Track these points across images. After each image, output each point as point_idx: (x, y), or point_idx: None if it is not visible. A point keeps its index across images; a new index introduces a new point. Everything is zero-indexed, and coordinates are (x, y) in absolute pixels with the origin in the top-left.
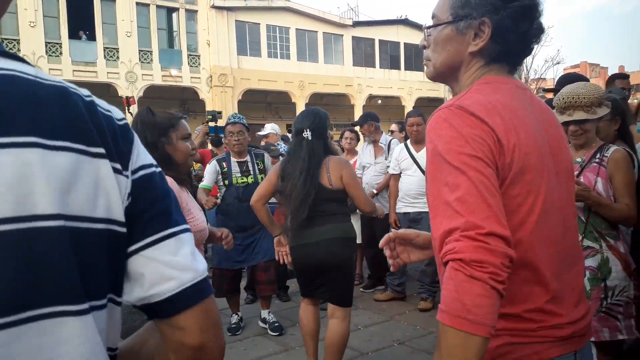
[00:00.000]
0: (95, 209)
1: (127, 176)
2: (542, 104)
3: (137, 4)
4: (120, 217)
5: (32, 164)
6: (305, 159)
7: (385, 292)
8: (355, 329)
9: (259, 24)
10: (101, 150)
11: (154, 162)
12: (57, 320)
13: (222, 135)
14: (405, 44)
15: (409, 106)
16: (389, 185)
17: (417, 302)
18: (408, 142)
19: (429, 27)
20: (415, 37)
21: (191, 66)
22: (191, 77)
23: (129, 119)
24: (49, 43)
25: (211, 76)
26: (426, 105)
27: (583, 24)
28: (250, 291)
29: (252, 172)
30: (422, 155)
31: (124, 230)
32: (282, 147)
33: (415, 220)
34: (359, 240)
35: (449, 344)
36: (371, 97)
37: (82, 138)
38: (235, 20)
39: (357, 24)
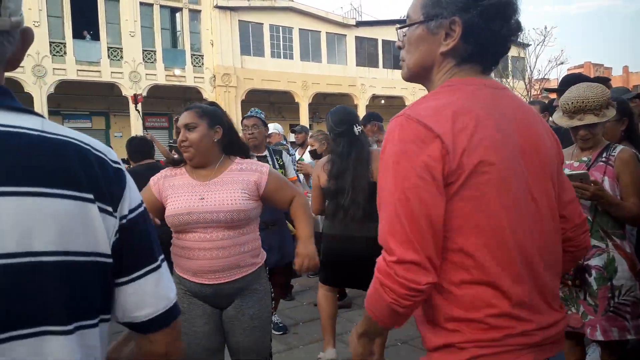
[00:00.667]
0: (87, 245)
1: (115, 217)
2: (518, 102)
3: (141, 3)
4: (107, 250)
5: (32, 209)
6: (363, 154)
7: None
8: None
9: (262, 24)
10: (90, 195)
11: (141, 201)
12: (46, 338)
13: None
14: None
15: None
16: None
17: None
18: None
19: (401, 27)
20: None
21: (195, 66)
22: (194, 77)
23: (136, 117)
24: (53, 43)
25: (214, 76)
26: None
27: (587, 24)
28: None
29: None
30: None
31: (110, 260)
32: (289, 149)
33: None
34: None
35: (364, 319)
36: (374, 97)
37: (76, 185)
38: (239, 20)
39: (360, 23)
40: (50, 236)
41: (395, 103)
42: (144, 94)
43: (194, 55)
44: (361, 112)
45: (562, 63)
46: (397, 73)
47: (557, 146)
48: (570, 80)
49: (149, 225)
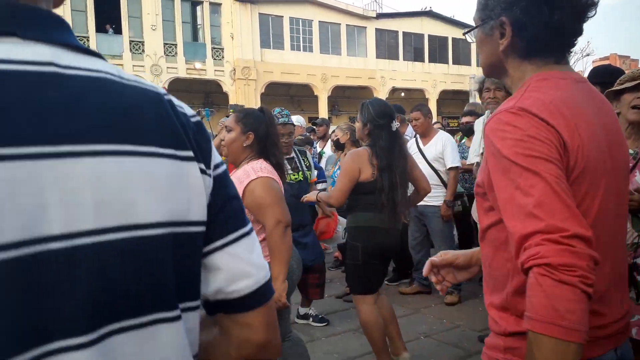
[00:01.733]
0: (189, 213)
1: (210, 175)
2: (600, 96)
3: None
4: (205, 216)
5: (133, 172)
6: (405, 149)
7: (411, 286)
8: None
9: (282, 16)
10: (190, 153)
11: (222, 160)
12: (158, 326)
13: None
14: (429, 36)
15: (432, 99)
16: None
17: (444, 296)
18: (418, 136)
19: (465, 32)
20: (440, 29)
21: (215, 59)
22: (215, 70)
23: None
24: (77, 37)
25: (234, 69)
26: (451, 98)
27: (613, 15)
28: None
29: (300, 169)
30: (427, 149)
31: (204, 228)
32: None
33: (423, 213)
34: None
35: (544, 353)
36: (394, 90)
37: (172, 142)
38: (259, 13)
39: (380, 15)
40: (155, 204)
41: (415, 96)
42: (165, 86)
43: (215, 48)
44: None
45: (588, 55)
46: (418, 65)
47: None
48: (600, 71)
49: (235, 187)
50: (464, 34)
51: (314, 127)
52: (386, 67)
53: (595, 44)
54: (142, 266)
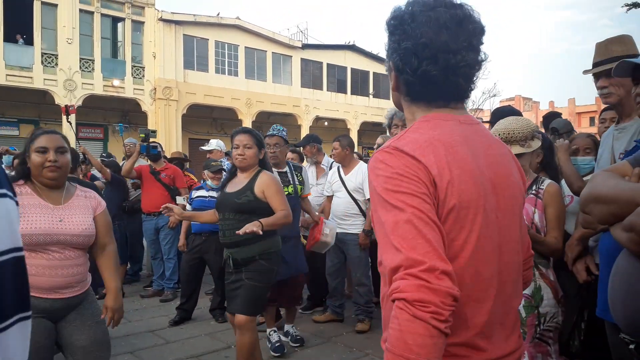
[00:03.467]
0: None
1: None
2: (492, 139)
3: (81, 10)
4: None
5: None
6: None
7: (324, 314)
8: (292, 350)
9: (208, 39)
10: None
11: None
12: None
13: (155, 153)
14: (352, 69)
15: (354, 129)
16: (325, 206)
17: (355, 324)
18: (339, 166)
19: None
20: (362, 63)
21: (135, 77)
22: (134, 89)
23: (68, 127)
24: None
25: (155, 88)
26: (370, 130)
27: (519, 61)
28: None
29: (291, 182)
30: (348, 179)
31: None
32: (226, 163)
33: (342, 240)
34: None
35: None
36: (318, 119)
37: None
38: (183, 34)
39: (306, 46)
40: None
41: (338, 125)
42: (80, 103)
43: (135, 66)
44: (304, 133)
45: (494, 95)
46: (341, 96)
47: (523, 184)
48: (502, 112)
49: None
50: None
51: None
52: (310, 96)
53: (502, 85)
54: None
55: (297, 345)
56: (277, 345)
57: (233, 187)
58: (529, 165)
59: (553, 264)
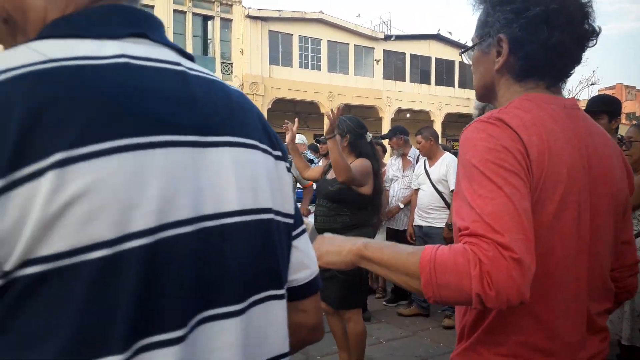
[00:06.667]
0: (284, 205)
1: (289, 170)
2: (593, 125)
3: (175, 11)
4: (293, 211)
5: (259, 163)
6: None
7: (409, 307)
8: (377, 342)
9: (292, 34)
10: (279, 153)
11: None
12: (272, 303)
13: None
14: (436, 59)
15: (438, 121)
16: (412, 199)
17: (441, 319)
18: (426, 158)
19: (462, 52)
20: (447, 53)
21: (224, 74)
22: None
23: None
24: None
25: (243, 84)
26: (455, 121)
27: (621, 45)
28: None
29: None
30: (433, 171)
31: (293, 222)
32: (309, 155)
33: (428, 234)
34: None
35: (404, 270)
36: (400, 111)
37: (267, 140)
38: (269, 30)
39: (388, 37)
40: (266, 192)
41: (420, 117)
42: None
43: (224, 63)
44: (386, 125)
45: (593, 84)
46: (424, 87)
47: (629, 179)
48: (596, 101)
49: None
50: (460, 54)
51: (318, 144)
52: (392, 87)
53: (601, 73)
54: (266, 245)
55: None
56: None
57: (331, 174)
58: None
59: None
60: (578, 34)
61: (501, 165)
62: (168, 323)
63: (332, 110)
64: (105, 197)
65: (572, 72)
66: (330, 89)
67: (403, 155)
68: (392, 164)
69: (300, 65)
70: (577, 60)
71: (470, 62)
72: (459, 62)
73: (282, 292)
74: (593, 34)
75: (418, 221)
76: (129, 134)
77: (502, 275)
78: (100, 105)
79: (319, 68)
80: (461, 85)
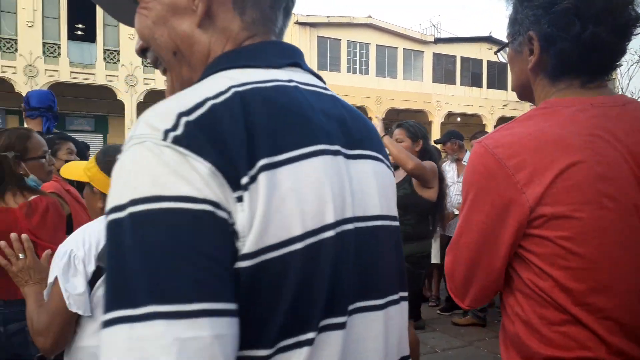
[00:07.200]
0: (392, 209)
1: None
2: None
3: None
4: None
5: (386, 174)
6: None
7: (465, 317)
8: (432, 351)
9: (340, 39)
10: (388, 162)
11: None
12: (401, 304)
13: None
14: (488, 61)
15: (490, 125)
16: None
17: (499, 330)
18: None
19: (496, 52)
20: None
21: None
22: None
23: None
24: (47, 44)
25: None
26: None
27: None
28: None
29: None
30: None
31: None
32: None
33: None
34: (436, 260)
35: None
36: (450, 115)
37: (382, 150)
38: (317, 36)
39: (438, 40)
40: (392, 201)
41: (472, 121)
42: None
43: None
44: (436, 129)
45: None
46: (475, 91)
47: None
48: None
49: None
50: (495, 53)
51: None
52: (442, 91)
53: None
54: (397, 250)
55: None
56: None
57: (396, 178)
58: None
59: None
60: (619, 23)
61: (473, 199)
62: (338, 307)
63: (376, 117)
64: (306, 195)
65: (615, 64)
66: (378, 93)
67: (457, 160)
68: (446, 169)
69: (348, 70)
70: (620, 52)
71: (507, 60)
72: None
73: (407, 294)
74: (637, 20)
75: None
76: (312, 142)
77: None
78: (289, 119)
79: (366, 72)
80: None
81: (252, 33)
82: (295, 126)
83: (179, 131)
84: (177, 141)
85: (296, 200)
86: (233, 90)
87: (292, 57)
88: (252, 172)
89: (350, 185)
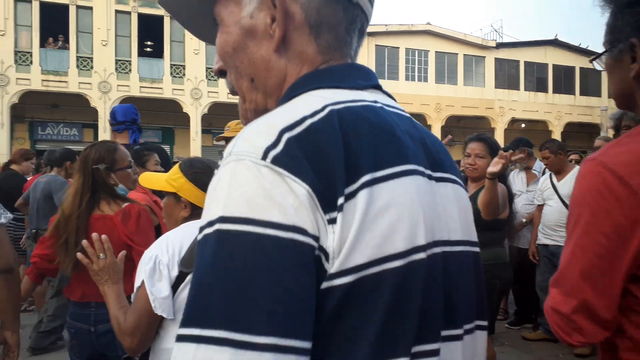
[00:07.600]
0: (472, 234)
1: None
2: None
3: None
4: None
5: (464, 197)
6: None
7: (535, 332)
8: None
9: (398, 47)
10: (461, 182)
11: None
12: (476, 333)
13: None
14: (554, 65)
15: (556, 131)
16: (534, 215)
17: (574, 348)
18: (552, 172)
19: (591, 60)
20: (565, 59)
21: None
22: None
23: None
24: (209, 68)
25: None
26: (576, 131)
27: None
28: None
29: None
30: (561, 186)
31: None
32: None
33: (554, 254)
34: None
35: None
36: (514, 121)
37: (455, 170)
38: (375, 45)
39: (500, 45)
40: (472, 225)
41: (537, 127)
42: None
43: None
44: (499, 136)
45: None
46: (540, 96)
47: None
48: None
49: None
50: (590, 61)
51: None
52: (505, 97)
53: None
54: (477, 276)
55: None
56: None
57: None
58: None
59: None
60: None
61: (588, 221)
62: (430, 334)
63: (507, 154)
64: (401, 213)
65: None
66: (437, 100)
67: (527, 169)
68: (514, 178)
69: (407, 78)
70: None
71: (603, 69)
72: (580, 67)
73: (485, 323)
74: None
75: (543, 239)
76: (404, 162)
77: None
78: (384, 137)
79: (425, 80)
80: (583, 93)
81: (327, 57)
82: (390, 144)
83: (279, 149)
84: (276, 161)
85: (391, 218)
86: (329, 108)
87: (373, 80)
88: (352, 188)
89: (437, 209)
